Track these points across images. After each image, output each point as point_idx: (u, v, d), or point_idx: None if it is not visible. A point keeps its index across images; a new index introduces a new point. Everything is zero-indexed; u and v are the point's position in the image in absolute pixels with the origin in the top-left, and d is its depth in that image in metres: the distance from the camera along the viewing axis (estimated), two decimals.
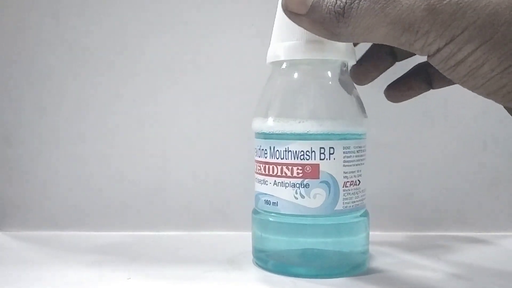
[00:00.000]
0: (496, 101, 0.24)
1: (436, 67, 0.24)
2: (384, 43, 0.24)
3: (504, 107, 0.27)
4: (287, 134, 0.29)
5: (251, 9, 0.40)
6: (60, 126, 0.41)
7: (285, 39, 0.30)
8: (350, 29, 0.24)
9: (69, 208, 0.42)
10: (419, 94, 0.33)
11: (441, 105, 0.41)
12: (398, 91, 0.34)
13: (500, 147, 0.41)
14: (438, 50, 0.23)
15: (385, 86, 0.34)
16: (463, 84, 0.24)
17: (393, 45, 0.24)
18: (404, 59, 0.33)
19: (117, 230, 0.41)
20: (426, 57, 0.24)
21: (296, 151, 0.29)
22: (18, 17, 0.40)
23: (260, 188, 0.31)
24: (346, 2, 0.24)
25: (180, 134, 0.41)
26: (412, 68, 0.33)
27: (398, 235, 0.41)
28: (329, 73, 0.31)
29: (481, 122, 0.41)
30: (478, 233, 0.41)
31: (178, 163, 0.42)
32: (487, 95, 0.24)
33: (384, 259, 0.34)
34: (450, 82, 0.32)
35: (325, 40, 0.27)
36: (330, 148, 0.29)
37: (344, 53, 0.30)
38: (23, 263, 0.33)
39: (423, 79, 0.33)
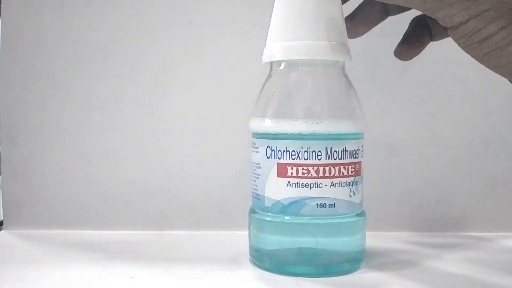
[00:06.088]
0: None
1: (456, 41, 0.24)
2: (408, 6, 0.24)
3: None
4: (349, 134, 0.30)
5: (252, 8, 0.40)
6: (64, 125, 0.41)
7: (282, 39, 0.30)
8: None
9: (72, 207, 0.42)
10: (423, 49, 0.32)
11: (443, 105, 0.41)
12: (411, 47, 0.31)
13: (502, 147, 0.41)
14: (461, 24, 0.23)
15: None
16: (483, 62, 0.24)
17: (417, 9, 0.24)
18: (396, 13, 0.31)
19: (120, 229, 0.41)
20: (448, 29, 0.24)
21: (351, 150, 0.30)
22: (22, 17, 0.40)
23: (307, 193, 0.29)
24: None
25: (181, 134, 0.42)
26: (413, 22, 0.31)
27: (398, 235, 0.40)
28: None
29: (483, 122, 0.41)
30: (479, 233, 0.41)
31: (180, 163, 0.42)
32: (510, 74, 0.24)
33: (385, 259, 0.34)
34: (447, 35, 0.30)
35: (323, 40, 0.27)
36: (362, 146, 0.31)
37: (341, 53, 0.30)
38: (27, 261, 0.33)
39: (426, 32, 0.31)
